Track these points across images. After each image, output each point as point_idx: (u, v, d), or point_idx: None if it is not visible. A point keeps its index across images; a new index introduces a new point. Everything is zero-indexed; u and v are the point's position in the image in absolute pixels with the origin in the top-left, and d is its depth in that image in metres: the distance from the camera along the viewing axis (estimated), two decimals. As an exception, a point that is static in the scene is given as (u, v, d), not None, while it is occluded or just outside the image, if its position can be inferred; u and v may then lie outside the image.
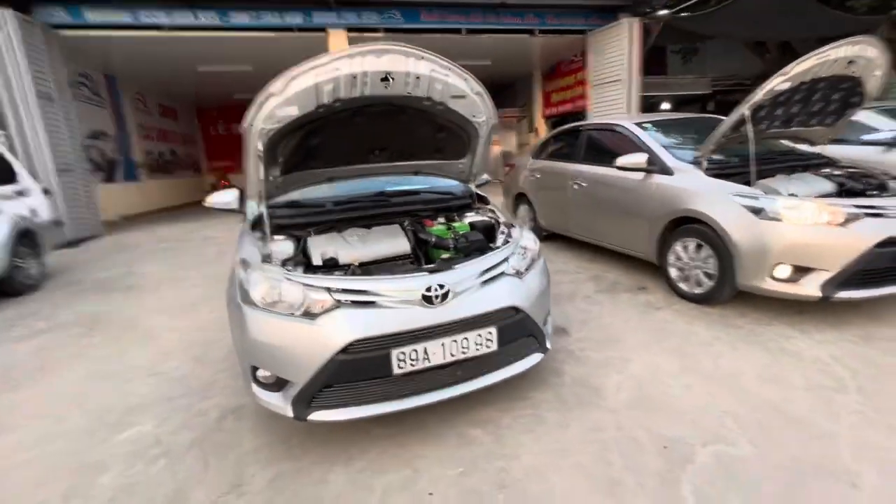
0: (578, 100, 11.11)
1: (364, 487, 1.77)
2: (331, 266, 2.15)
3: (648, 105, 11.34)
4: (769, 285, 2.81)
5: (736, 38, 10.39)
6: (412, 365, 1.83)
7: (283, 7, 8.17)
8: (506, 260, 2.12)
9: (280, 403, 1.88)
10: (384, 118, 2.30)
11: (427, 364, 1.85)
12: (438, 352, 1.86)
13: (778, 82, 2.82)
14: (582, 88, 10.95)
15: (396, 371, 1.81)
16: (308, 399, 1.83)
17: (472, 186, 2.89)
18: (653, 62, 11.33)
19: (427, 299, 1.85)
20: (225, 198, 2.75)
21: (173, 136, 14.16)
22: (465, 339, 1.90)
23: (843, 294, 2.65)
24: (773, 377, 2.32)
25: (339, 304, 1.83)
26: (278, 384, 1.91)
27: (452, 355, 1.89)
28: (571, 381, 2.41)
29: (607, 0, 9.36)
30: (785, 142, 3.93)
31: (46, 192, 5.54)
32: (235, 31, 8.18)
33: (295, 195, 2.58)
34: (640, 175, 3.69)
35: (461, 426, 2.10)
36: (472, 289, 1.96)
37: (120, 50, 8.97)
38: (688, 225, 3.28)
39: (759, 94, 2.87)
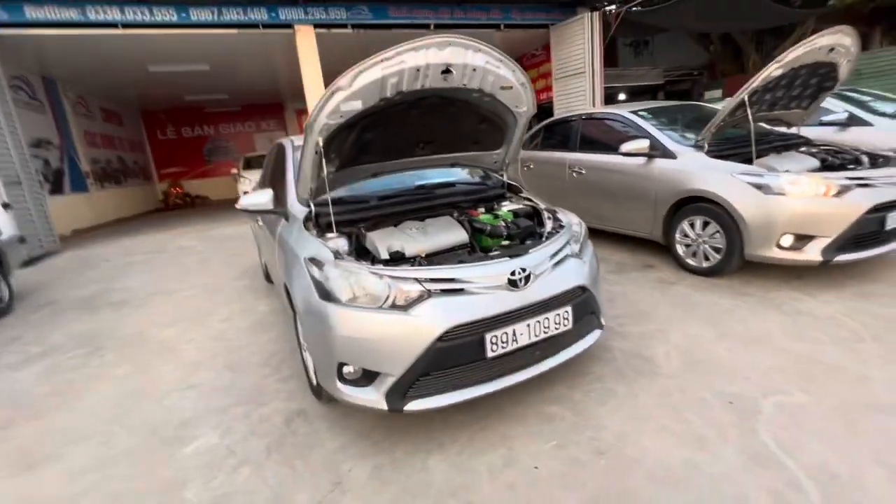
0: (543, 92, 11.44)
1: (468, 469, 1.82)
2: (398, 259, 2.16)
3: (606, 96, 11.87)
4: (776, 254, 3.10)
5: (686, 30, 11.08)
6: (503, 347, 1.89)
7: (247, 3, 7.84)
8: (568, 242, 2.23)
9: (372, 397, 1.88)
10: (435, 111, 2.32)
11: (515, 345, 1.92)
12: (525, 333, 1.93)
13: (773, 69, 3.11)
14: (545, 81, 11.30)
15: (489, 354, 1.87)
16: (404, 390, 1.85)
17: (505, 176, 2.96)
18: (606, 55, 11.85)
19: (512, 283, 1.92)
20: (259, 199, 2.67)
21: (119, 143, 13.19)
22: (547, 318, 1.98)
23: (841, 257, 2.98)
24: (799, 335, 2.58)
25: (427, 294, 1.85)
26: (367, 379, 1.91)
27: (537, 335, 1.97)
28: (623, 355, 2.56)
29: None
30: (762, 124, 4.29)
31: (6, 206, 5.06)
32: (195, 29, 7.75)
33: (341, 192, 2.54)
34: (642, 160, 3.92)
35: (537, 405, 2.19)
36: (546, 271, 2.04)
37: (62, 50, 8.25)
38: (694, 204, 3.53)
39: (757, 81, 3.14)
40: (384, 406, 1.86)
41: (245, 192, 11.05)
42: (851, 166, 3.38)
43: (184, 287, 4.88)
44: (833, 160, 3.49)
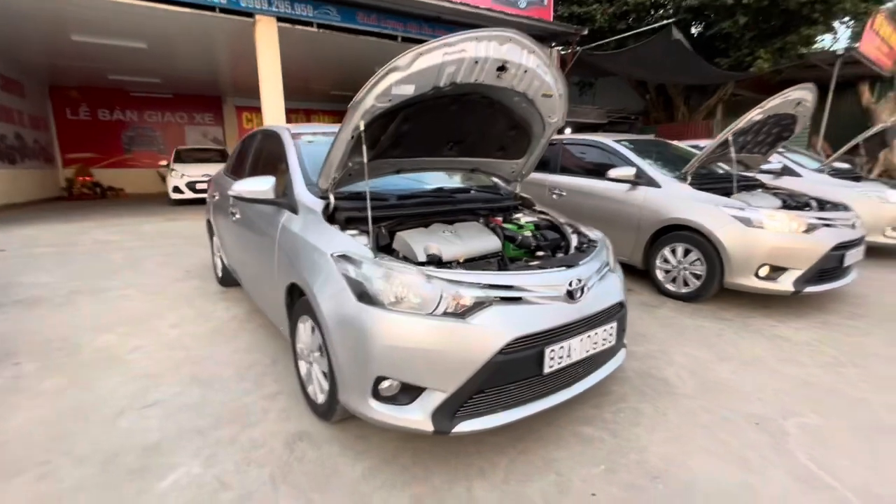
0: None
1: (521, 498, 1.64)
2: (434, 263, 1.97)
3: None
4: (754, 283, 3.33)
5: (630, 76, 12.10)
6: (558, 362, 1.76)
7: (206, -17, 7.21)
8: (608, 256, 2.19)
9: (415, 417, 1.65)
10: (474, 109, 2.20)
11: (569, 360, 1.80)
12: (578, 348, 1.82)
13: (755, 114, 3.41)
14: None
15: (547, 370, 1.73)
16: (454, 409, 1.65)
17: (518, 188, 2.89)
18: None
19: (570, 294, 1.81)
20: (259, 186, 2.34)
21: (19, 117, 11.32)
22: (596, 333, 1.90)
23: (809, 289, 3.27)
24: (786, 358, 2.75)
25: (483, 302, 1.68)
26: (408, 396, 1.68)
27: (587, 351, 1.87)
28: (635, 375, 2.54)
29: (541, 30, 10.10)
30: (724, 165, 4.70)
31: None
32: (145, 2, 6.95)
33: (361, 185, 2.29)
34: (626, 187, 4.08)
35: (570, 426, 2.08)
36: (595, 285, 1.97)
37: (-38, -1, 6.96)
38: (675, 232, 3.71)
39: (742, 123, 3.42)
40: (429, 427, 1.64)
41: (175, 187, 10.07)
42: (807, 208, 3.77)
43: (114, 286, 4.16)
44: (790, 202, 3.87)
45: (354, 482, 1.72)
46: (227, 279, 3.93)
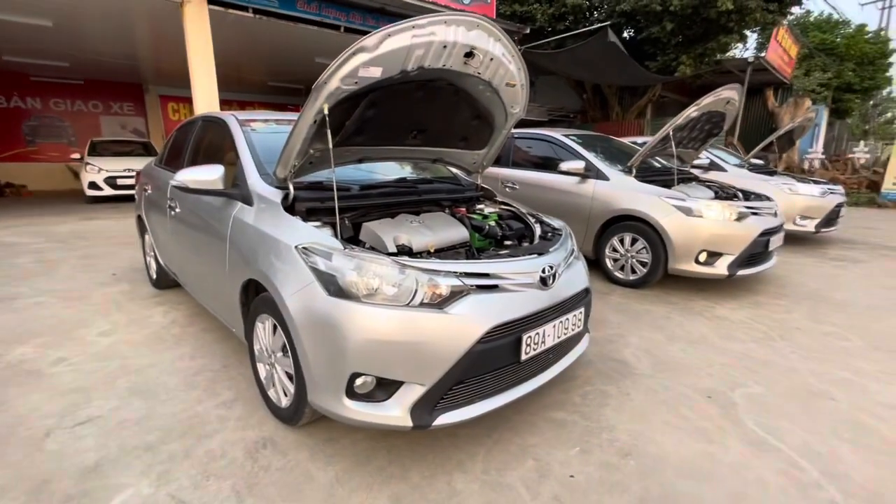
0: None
1: (503, 486, 1.64)
2: (404, 253, 1.90)
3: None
4: (694, 268, 3.58)
5: (573, 76, 12.59)
6: (534, 349, 1.78)
7: (123, -43, 6.54)
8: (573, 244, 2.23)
9: (393, 413, 1.59)
10: (439, 97, 2.15)
11: (543, 347, 1.82)
12: (552, 334, 1.85)
13: (692, 111, 3.66)
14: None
15: (524, 356, 1.73)
16: (434, 402, 1.60)
17: (479, 179, 2.88)
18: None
19: (543, 281, 1.82)
20: (206, 175, 2.14)
21: None
22: (567, 319, 1.93)
23: (741, 272, 3.57)
24: (727, 336, 2.98)
25: (460, 291, 1.65)
26: (384, 391, 1.61)
27: (559, 336, 1.90)
28: (597, 358, 2.64)
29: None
30: (660, 159, 5.01)
31: None
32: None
33: (321, 175, 2.17)
34: (576, 179, 4.23)
35: (541, 412, 2.11)
36: (564, 271, 2.00)
37: None
38: (623, 222, 3.90)
39: (680, 119, 3.65)
40: (408, 423, 1.58)
41: (92, 182, 9.11)
42: (735, 199, 4.12)
43: (24, 293, 3.66)
44: (721, 193, 4.21)
45: (328, 486, 1.63)
46: (163, 280, 3.59)
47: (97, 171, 9.11)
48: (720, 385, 2.35)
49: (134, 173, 8.70)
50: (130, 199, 4.95)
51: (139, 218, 3.84)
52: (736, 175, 5.99)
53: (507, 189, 4.81)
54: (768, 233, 3.64)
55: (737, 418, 2.06)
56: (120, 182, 9.15)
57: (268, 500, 1.56)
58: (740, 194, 4.28)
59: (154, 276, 3.73)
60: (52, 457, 1.76)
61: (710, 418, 2.06)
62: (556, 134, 4.63)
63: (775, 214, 3.89)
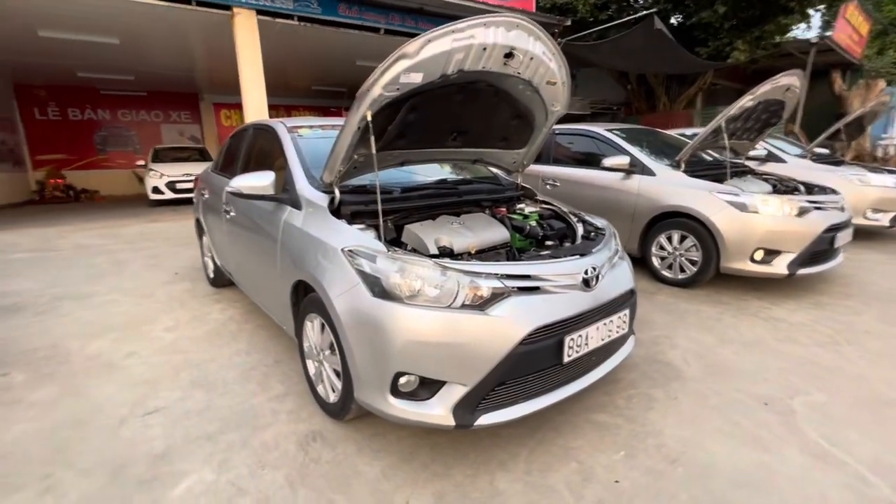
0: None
1: (545, 488, 1.64)
2: (446, 255, 1.94)
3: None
4: (749, 267, 3.39)
5: (616, 67, 12.19)
6: (577, 351, 1.76)
7: (180, -25, 6.96)
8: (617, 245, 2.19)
9: (436, 412, 1.62)
10: (478, 98, 2.16)
11: (586, 349, 1.80)
12: (595, 336, 1.82)
13: (747, 100, 3.46)
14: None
15: (566, 359, 1.72)
16: (476, 402, 1.63)
17: (520, 179, 2.87)
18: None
19: (585, 282, 1.80)
20: (258, 181, 2.26)
21: (-18, 118, 10.83)
22: (611, 321, 1.90)
23: (802, 271, 3.35)
24: (785, 338, 2.81)
25: (501, 293, 1.66)
26: (427, 391, 1.65)
27: (603, 339, 1.87)
28: (642, 361, 2.56)
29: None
30: (712, 152, 4.77)
31: None
32: (113, -6, 6.67)
33: (365, 179, 2.24)
34: (620, 175, 4.10)
35: (584, 413, 2.08)
36: (608, 272, 1.96)
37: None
38: (671, 219, 3.75)
39: (734, 110, 3.46)
40: (451, 422, 1.61)
41: (155, 187, 9.79)
42: (796, 193, 3.85)
43: (100, 291, 4.01)
44: (780, 186, 3.95)
45: (375, 481, 1.69)
46: (219, 280, 3.82)
47: (159, 177, 9.77)
48: (778, 392, 2.22)
49: (192, 177, 9.27)
50: (189, 202, 5.30)
51: (197, 221, 4.10)
52: (797, 166, 5.60)
53: (547, 187, 4.74)
54: (834, 228, 3.38)
55: (796, 427, 1.95)
56: (179, 186, 9.77)
57: (318, 491, 1.65)
58: (802, 187, 4.00)
59: (211, 276, 3.97)
60: (126, 443, 1.93)
61: (767, 427, 1.96)
62: (599, 128, 4.51)
63: (842, 209, 3.61)
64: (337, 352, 1.84)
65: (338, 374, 1.91)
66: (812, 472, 1.69)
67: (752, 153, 5.63)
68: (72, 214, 9.12)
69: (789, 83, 3.62)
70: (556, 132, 4.92)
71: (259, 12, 7.79)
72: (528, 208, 2.67)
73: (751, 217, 3.34)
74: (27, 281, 4.31)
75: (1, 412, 2.16)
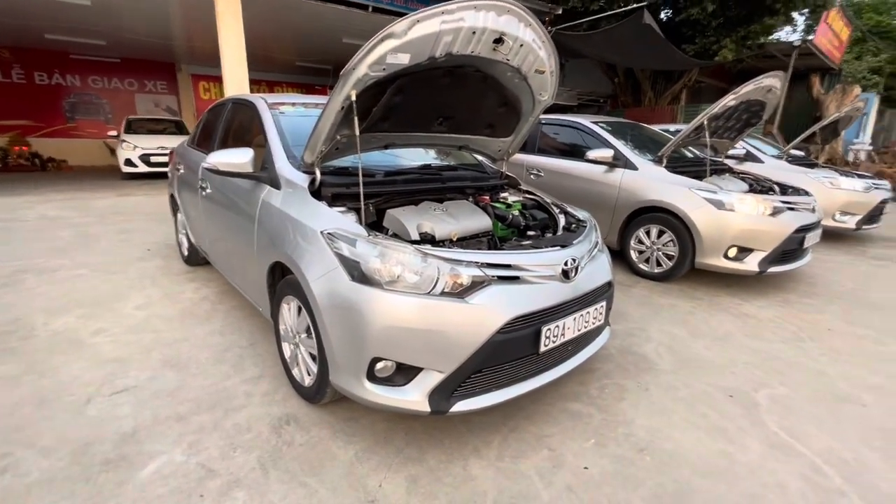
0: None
1: (517, 474, 1.67)
2: (427, 241, 1.92)
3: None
4: (723, 263, 3.48)
5: (605, 59, 12.18)
6: (553, 341, 1.78)
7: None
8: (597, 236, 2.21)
9: (411, 398, 1.62)
10: (466, 83, 2.13)
11: (563, 339, 1.82)
12: (572, 326, 1.84)
13: (730, 99, 3.50)
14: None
15: (542, 348, 1.74)
16: (452, 389, 1.63)
17: (504, 167, 2.85)
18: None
19: (565, 273, 1.81)
20: (236, 158, 2.19)
21: (-61, 78, 10.17)
22: (588, 312, 1.92)
23: (772, 269, 3.46)
24: (753, 334, 2.91)
25: (481, 281, 1.66)
26: (404, 376, 1.65)
27: (579, 329, 1.89)
28: (617, 352, 2.62)
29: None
30: (693, 149, 4.84)
31: None
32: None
33: (346, 161, 2.19)
34: (603, 168, 4.13)
35: (558, 402, 2.12)
36: (587, 264, 1.98)
37: None
38: (651, 213, 3.81)
39: (717, 108, 3.51)
40: (426, 408, 1.62)
41: (128, 160, 9.42)
42: (771, 193, 3.95)
43: (67, 265, 3.86)
44: (756, 186, 4.05)
45: (348, 465, 1.69)
46: (194, 258, 3.72)
47: (133, 149, 9.40)
48: (743, 385, 2.31)
49: (167, 151, 8.95)
50: (163, 175, 5.12)
51: (172, 197, 3.97)
52: (773, 167, 5.73)
53: (531, 176, 4.74)
54: (804, 229, 3.49)
55: (759, 419, 2.03)
56: (153, 159, 9.42)
57: (291, 474, 1.64)
58: (776, 188, 4.11)
59: (185, 254, 3.86)
60: (92, 422, 1.88)
61: (731, 418, 2.03)
62: (585, 120, 4.52)
63: (813, 210, 3.73)
64: (313, 335, 1.82)
65: (314, 358, 1.90)
66: (771, 462, 1.76)
67: (731, 152, 5.74)
68: (38, 184, 8.72)
69: (771, 84, 3.68)
70: (543, 122, 4.91)
71: (239, -16, 7.46)
72: (511, 197, 2.67)
73: (727, 215, 3.42)
74: (-12, 252, 4.11)
75: (-43, 388, 2.08)
